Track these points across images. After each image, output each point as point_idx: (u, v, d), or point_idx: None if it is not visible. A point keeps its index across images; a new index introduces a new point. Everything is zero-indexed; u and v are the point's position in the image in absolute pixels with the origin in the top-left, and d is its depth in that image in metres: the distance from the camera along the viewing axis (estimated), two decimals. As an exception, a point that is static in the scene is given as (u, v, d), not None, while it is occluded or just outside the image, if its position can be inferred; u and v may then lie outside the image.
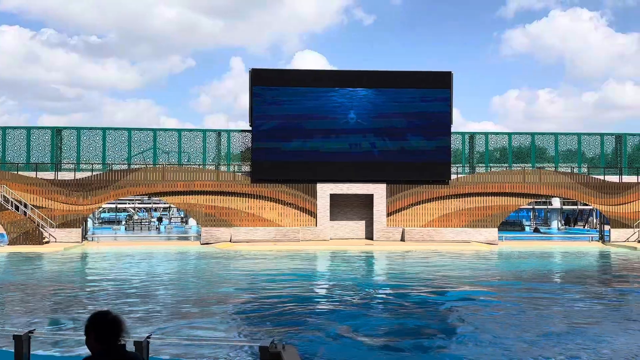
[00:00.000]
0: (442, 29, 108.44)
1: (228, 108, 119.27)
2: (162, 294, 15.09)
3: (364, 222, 32.44)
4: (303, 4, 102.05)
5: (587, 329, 10.92)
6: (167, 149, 31.72)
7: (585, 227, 48.99)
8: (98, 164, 31.09)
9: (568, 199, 35.02)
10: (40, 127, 31.76)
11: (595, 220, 45.81)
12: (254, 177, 30.61)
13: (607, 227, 32.59)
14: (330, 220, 31.43)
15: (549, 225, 50.96)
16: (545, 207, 51.59)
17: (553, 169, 32.77)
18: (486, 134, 33.43)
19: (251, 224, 30.49)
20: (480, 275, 19.27)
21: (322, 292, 16.11)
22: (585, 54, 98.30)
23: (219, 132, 32.27)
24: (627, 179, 32.76)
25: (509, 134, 33.54)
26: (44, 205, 29.15)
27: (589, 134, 33.77)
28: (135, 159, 31.45)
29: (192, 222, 45.85)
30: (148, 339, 5.91)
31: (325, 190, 30.94)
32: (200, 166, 31.39)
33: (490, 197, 31.51)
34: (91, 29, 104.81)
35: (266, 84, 30.97)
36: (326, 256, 25.38)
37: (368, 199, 31.79)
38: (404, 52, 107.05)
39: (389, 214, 31.30)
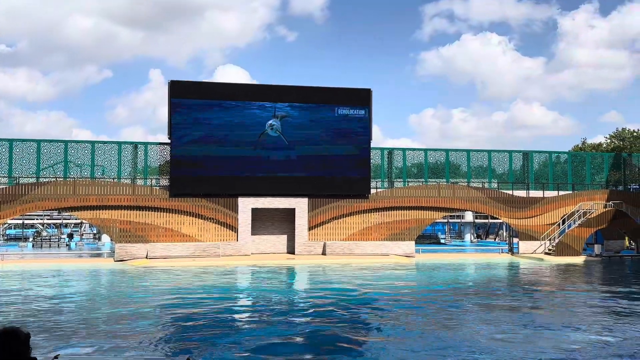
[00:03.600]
0: (362, 48, 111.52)
1: (146, 120, 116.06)
2: (72, 312, 14.40)
3: (285, 236, 32.46)
4: (224, 19, 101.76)
5: (491, 334, 11.50)
6: (79, 162, 30.44)
7: (496, 240, 51.42)
8: (3, 177, 29.30)
9: (480, 212, 36.69)
10: (-63, 137, 29.59)
11: (505, 233, 48.30)
12: (173, 191, 29.94)
13: (515, 240, 34.41)
14: (252, 234, 31.23)
15: (462, 238, 53.10)
16: (459, 220, 53.80)
17: (466, 184, 34.29)
18: (404, 150, 34.52)
19: (169, 239, 29.75)
20: (395, 286, 19.79)
21: (238, 306, 15.98)
22: (494, 76, 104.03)
23: (135, 145, 31.35)
24: (533, 193, 34.86)
25: (425, 150, 34.82)
26: (-61, 221, 27.07)
27: (498, 151, 35.66)
28: (45, 172, 29.94)
29: (105, 238, 44.05)
30: (56, 359, 5.65)
31: (246, 205, 30.74)
32: (115, 180, 30.33)
33: (407, 211, 32.49)
34: (0, 38, 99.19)
35: (186, 96, 30.51)
36: (245, 271, 25.17)
37: (290, 213, 31.87)
38: (325, 69, 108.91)
39: (310, 228, 31.51)
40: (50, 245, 43.02)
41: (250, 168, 30.81)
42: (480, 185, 34.40)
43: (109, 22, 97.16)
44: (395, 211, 32.43)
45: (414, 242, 32.49)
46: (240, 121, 30.88)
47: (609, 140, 55.97)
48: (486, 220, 52.88)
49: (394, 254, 31.39)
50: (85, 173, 30.48)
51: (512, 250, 34.43)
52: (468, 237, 51.74)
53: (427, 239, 47.11)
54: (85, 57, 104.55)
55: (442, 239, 51.28)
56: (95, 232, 51.77)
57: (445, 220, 53.83)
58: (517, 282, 22.69)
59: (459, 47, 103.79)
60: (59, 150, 30.23)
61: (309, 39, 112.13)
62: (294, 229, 31.48)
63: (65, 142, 30.57)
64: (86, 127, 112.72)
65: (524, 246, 33.39)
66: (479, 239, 52.73)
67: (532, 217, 33.65)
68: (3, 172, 29.46)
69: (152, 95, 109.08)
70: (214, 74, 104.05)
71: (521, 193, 34.59)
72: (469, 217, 51.16)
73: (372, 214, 32.25)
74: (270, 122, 31.09)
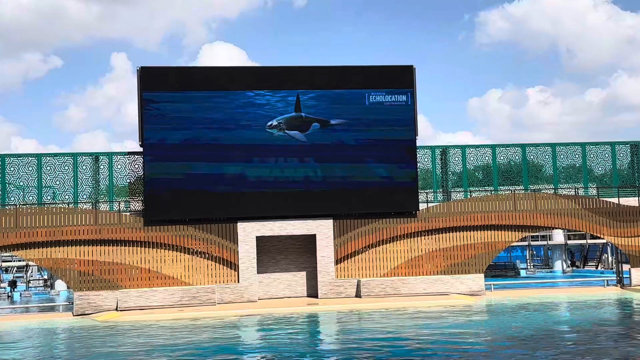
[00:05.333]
0: (396, 12, 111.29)
1: (109, 123, 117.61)
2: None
3: (304, 273, 32.46)
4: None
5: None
6: (21, 183, 30.84)
7: (599, 268, 50.73)
8: None
9: (574, 230, 36.23)
10: None
11: (610, 258, 47.64)
12: (149, 217, 30.17)
13: (626, 267, 33.92)
14: (259, 272, 31.27)
15: (551, 267, 52.48)
16: (545, 243, 53.20)
17: (552, 191, 33.93)
18: (463, 148, 34.36)
19: (146, 283, 29.92)
20: (462, 337, 19.58)
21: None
22: (585, 41, 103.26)
23: (96, 157, 31.69)
24: (647, 201, 34.32)
25: (493, 147, 34.60)
26: None
27: (596, 144, 35.28)
28: (-24, 199, 30.46)
29: (60, 285, 44.41)
30: None
31: (249, 232, 30.82)
32: (71, 205, 30.67)
33: (471, 233, 32.24)
34: None
35: (162, 87, 30.80)
36: (252, 323, 25.20)
37: (309, 241, 31.89)
38: (348, 44, 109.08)
39: (338, 261, 31.46)
40: (-14, 297, 43.55)
41: (253, 181, 30.91)
42: (573, 193, 34.03)
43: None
44: (454, 233, 32.21)
45: (483, 276, 32.21)
46: (238, 118, 31.01)
47: None
48: (583, 241, 52.20)
49: (456, 293, 31.15)
50: (30, 197, 30.83)
51: (621, 281, 33.99)
52: (559, 265, 51.12)
53: (501, 270, 46.64)
54: (24, 41, 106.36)
55: (522, 269, 50.78)
56: (46, 277, 52.24)
57: (526, 244, 53.25)
58: (632, 325, 22.28)
59: (533, 3, 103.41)
60: (-7, 168, 30.70)
61: (323, 3, 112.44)
62: (316, 263, 31.46)
63: (2, 156, 31.03)
64: (30, 135, 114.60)
65: (638, 275, 32.88)
66: (574, 268, 52.09)
67: (647, 234, 33.16)
68: None
69: (115, 88, 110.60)
70: (198, 56, 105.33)
71: (631, 201, 34.10)
72: (558, 237, 50.55)
73: (422, 238, 32.07)
74: (272, 122, 31.11)
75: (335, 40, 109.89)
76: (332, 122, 31.64)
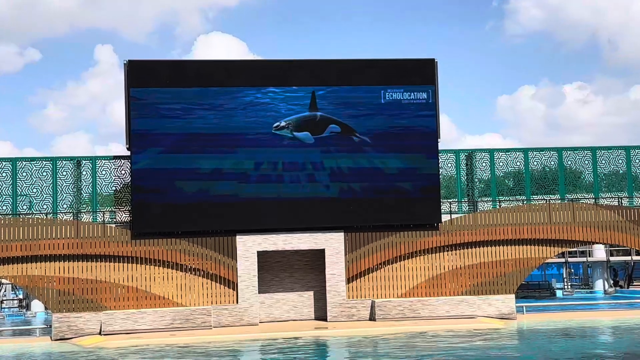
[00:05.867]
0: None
1: (92, 124, 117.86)
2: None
3: (311, 293, 32.43)
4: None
5: None
6: (-6, 191, 31.00)
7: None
8: None
9: (617, 245, 36.10)
10: None
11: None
12: (137, 229, 30.24)
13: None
14: (260, 292, 31.29)
15: (591, 287, 52.28)
16: (584, 259, 52.99)
17: (592, 201, 33.84)
18: (491, 152, 34.31)
19: (134, 304, 29.95)
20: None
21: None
22: (629, 31, 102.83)
23: (78, 161, 31.78)
24: (700, 212, 34.21)
25: (525, 151, 34.53)
26: None
27: (642, 148, 35.22)
28: (-57, 208, 30.63)
29: (37, 306, 44.49)
30: None
31: (249, 246, 30.85)
32: (50, 216, 30.76)
33: (501, 248, 32.17)
34: None
35: (152, 83, 30.88)
36: (252, 352, 25.22)
37: (317, 257, 31.89)
38: (361, 35, 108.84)
39: (349, 280, 31.42)
40: (-46, 319, 43.65)
41: (253, 189, 30.94)
42: (616, 203, 33.93)
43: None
44: (481, 248, 32.14)
45: (513, 297, 32.13)
46: (237, 118, 31.05)
47: None
48: (628, 258, 52.01)
49: (484, 316, 31.06)
50: (4, 207, 30.93)
51: (671, 303, 33.87)
52: (600, 285, 50.90)
53: (534, 290, 46.52)
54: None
55: (558, 289, 50.63)
56: (21, 297, 52.36)
57: (563, 260, 53.10)
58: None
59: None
60: (-37, 174, 30.84)
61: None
62: (324, 282, 31.44)
63: (-27, 161, 31.16)
64: (3, 136, 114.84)
65: (691, 296, 32.78)
66: (617, 288, 51.87)
67: (700, 249, 33.05)
68: None
69: (100, 84, 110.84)
70: (193, 48, 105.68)
71: (681, 212, 34.02)
72: (599, 253, 50.35)
73: (445, 253, 32.01)
74: (279, 122, 31.08)
75: (345, 31, 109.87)
76: (358, 134, 31.57)
